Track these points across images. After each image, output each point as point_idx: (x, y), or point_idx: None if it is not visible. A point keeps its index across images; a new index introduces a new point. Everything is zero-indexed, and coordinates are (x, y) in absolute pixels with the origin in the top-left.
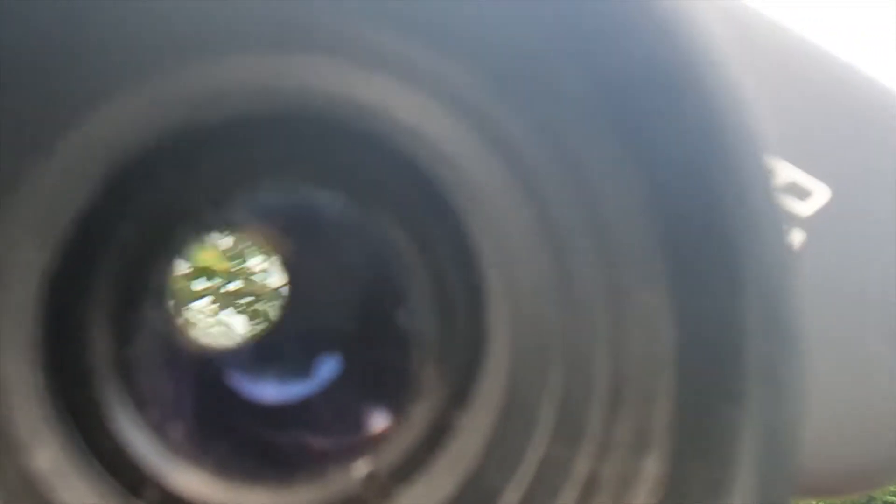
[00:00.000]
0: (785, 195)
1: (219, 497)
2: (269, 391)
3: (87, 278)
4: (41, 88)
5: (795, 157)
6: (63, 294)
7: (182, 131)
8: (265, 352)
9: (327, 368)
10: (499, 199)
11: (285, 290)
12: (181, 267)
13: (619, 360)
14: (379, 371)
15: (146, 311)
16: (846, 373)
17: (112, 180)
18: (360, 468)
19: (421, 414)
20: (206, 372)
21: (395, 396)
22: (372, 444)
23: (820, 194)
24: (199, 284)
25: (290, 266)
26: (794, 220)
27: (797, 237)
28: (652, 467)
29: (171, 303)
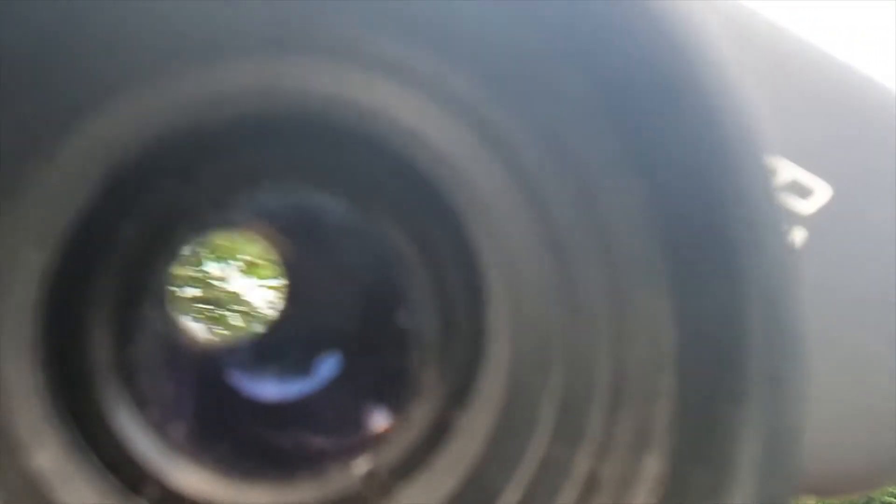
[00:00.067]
0: (786, 193)
1: (219, 495)
2: (270, 390)
3: (87, 278)
4: (42, 90)
5: (796, 156)
6: (63, 294)
7: (182, 133)
8: (266, 351)
9: (328, 367)
10: (498, 200)
11: (285, 291)
12: None
13: (619, 360)
14: (379, 370)
15: (146, 311)
16: (846, 373)
17: (112, 181)
18: (361, 466)
19: (421, 413)
20: (207, 371)
21: (396, 395)
22: (372, 442)
23: (821, 192)
24: None
25: (290, 266)
26: (796, 218)
27: (799, 235)
28: (652, 467)
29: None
